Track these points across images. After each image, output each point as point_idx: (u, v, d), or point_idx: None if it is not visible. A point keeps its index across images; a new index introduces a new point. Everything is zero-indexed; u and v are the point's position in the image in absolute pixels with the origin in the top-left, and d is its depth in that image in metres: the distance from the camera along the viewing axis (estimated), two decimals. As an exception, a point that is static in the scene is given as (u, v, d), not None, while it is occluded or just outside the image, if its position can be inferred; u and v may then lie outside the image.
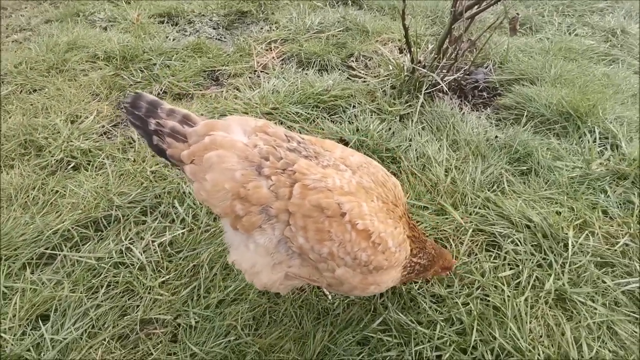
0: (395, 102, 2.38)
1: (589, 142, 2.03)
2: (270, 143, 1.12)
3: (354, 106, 2.33)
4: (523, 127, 2.15)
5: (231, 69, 2.62)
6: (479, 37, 2.44)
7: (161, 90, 2.33)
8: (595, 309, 1.39)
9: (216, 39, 3.03)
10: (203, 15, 3.26)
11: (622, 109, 2.22)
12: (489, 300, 1.41)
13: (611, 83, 2.43)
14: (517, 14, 2.37)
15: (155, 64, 2.50)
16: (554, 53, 2.75)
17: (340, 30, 3.07)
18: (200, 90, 2.41)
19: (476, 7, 2.22)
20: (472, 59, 2.60)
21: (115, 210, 1.52)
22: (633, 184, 1.80)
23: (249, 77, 2.58)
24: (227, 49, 2.89)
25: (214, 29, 3.14)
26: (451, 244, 1.60)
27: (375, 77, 2.65)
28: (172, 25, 3.09)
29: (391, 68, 2.66)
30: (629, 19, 3.27)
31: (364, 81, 2.60)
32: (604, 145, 2.02)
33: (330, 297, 1.40)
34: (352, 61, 2.84)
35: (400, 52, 2.91)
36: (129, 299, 1.28)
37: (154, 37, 2.83)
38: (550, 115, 2.19)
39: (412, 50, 2.44)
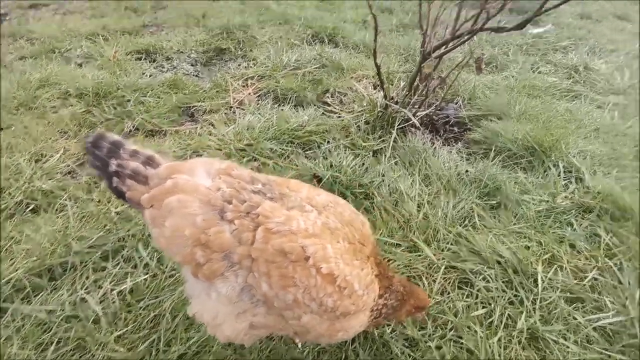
0: (369, 137, 2.42)
1: (554, 175, 2.08)
2: (234, 186, 1.11)
3: (328, 142, 2.35)
4: (492, 161, 2.20)
5: (207, 105, 2.63)
6: (447, 74, 2.53)
7: (133, 126, 2.31)
8: (568, 347, 1.38)
9: (193, 75, 3.06)
10: (181, 52, 3.30)
11: (584, 143, 2.31)
12: (462, 343, 1.38)
13: (574, 118, 2.54)
14: (483, 54, 2.50)
15: (129, 101, 2.49)
16: (519, 90, 2.88)
17: (316, 67, 3.16)
18: (174, 127, 2.40)
19: (443, 47, 2.33)
20: (442, 95, 2.69)
21: (73, 256, 1.45)
22: (598, 217, 1.85)
23: (225, 113, 2.59)
24: (203, 85, 2.92)
25: (192, 65, 3.18)
26: (424, 283, 1.58)
27: (349, 112, 2.71)
28: (149, 62, 3.11)
29: (365, 104, 2.72)
30: (592, 55, 3.47)
31: (339, 116, 2.65)
32: (569, 179, 2.08)
33: (300, 345, 1.35)
34: (328, 97, 2.90)
35: (374, 88, 3.00)
36: (79, 358, 1.19)
37: (130, 73, 2.84)
38: (516, 149, 2.25)
39: (384, 87, 2.51)
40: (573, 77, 3.09)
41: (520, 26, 2.06)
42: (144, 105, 2.49)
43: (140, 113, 2.41)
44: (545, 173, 2.12)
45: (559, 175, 2.09)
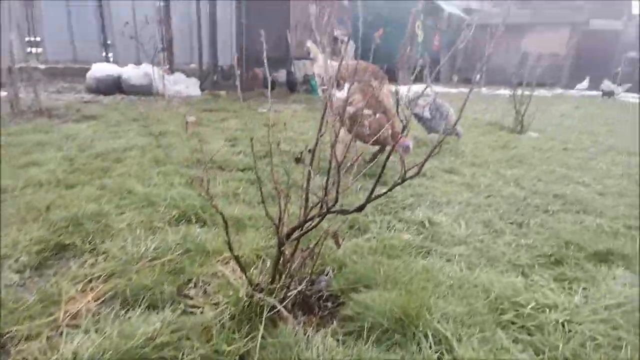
0: (235, 336, 2.13)
1: (426, 349, 2.03)
2: None
3: (184, 354, 1.97)
4: (366, 344, 2.08)
5: (24, 330, 2.07)
6: (314, 246, 2.57)
7: None
8: None
9: (18, 285, 2.51)
10: (8, 256, 2.76)
11: (444, 304, 2.40)
12: None
13: (431, 276, 2.71)
14: (338, 229, 2.63)
15: None
16: (381, 251, 3.06)
17: (179, 254, 2.93)
18: (-42, 378, 1.75)
19: (299, 230, 2.39)
20: (310, 271, 2.66)
21: None
22: (476, 397, 1.76)
23: (48, 337, 2.05)
24: (29, 297, 2.37)
25: (19, 272, 2.63)
26: None
27: (214, 304, 2.43)
28: (-48, 277, 2.48)
29: (231, 293, 2.50)
30: (432, 209, 4.04)
31: (202, 312, 2.34)
32: (440, 351, 2.04)
33: None
34: (191, 288, 2.62)
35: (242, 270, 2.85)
36: None
37: None
38: (388, 324, 2.20)
39: (247, 275, 2.38)
40: (422, 233, 3.47)
41: (360, 208, 2.26)
42: None
43: None
44: (419, 347, 2.07)
45: (430, 348, 2.04)
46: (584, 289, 2.63)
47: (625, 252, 3.01)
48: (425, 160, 1.88)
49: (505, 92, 9.36)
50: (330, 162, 2.05)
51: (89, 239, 3.07)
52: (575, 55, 22.32)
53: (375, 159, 5.55)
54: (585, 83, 20.88)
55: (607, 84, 16.81)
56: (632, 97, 17.98)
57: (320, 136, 2.18)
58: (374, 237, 3.35)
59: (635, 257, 2.98)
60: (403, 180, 1.90)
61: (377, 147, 5.47)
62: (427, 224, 3.63)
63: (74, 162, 4.78)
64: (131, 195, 3.89)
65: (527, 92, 8.44)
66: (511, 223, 3.78)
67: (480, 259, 3.06)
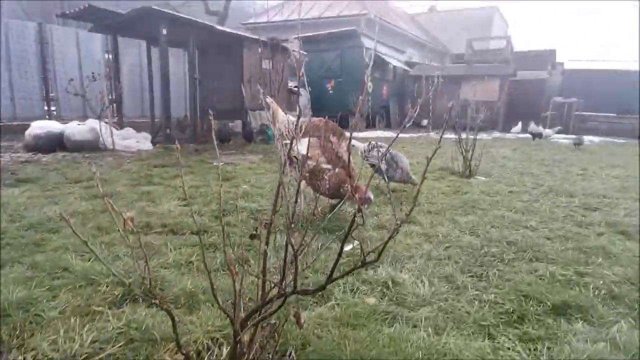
0: None
1: None
2: None
3: None
4: None
5: None
6: (276, 328, 2.38)
7: None
8: None
9: None
10: None
11: (415, 383, 2.27)
12: None
13: (398, 349, 2.58)
14: (298, 308, 2.47)
15: None
16: (346, 322, 2.91)
17: (120, 346, 2.58)
18: None
19: (257, 314, 2.21)
20: (272, 353, 2.45)
21: None
22: None
23: None
24: None
25: None
26: None
27: (161, 412, 2.12)
28: None
29: (181, 393, 2.21)
30: (394, 266, 3.98)
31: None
32: None
33: None
34: (133, 390, 2.29)
35: (198, 355, 2.56)
36: None
37: None
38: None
39: (199, 372, 2.13)
40: (386, 295, 3.37)
41: (322, 288, 2.15)
42: None
43: None
44: None
45: None
46: (549, 348, 2.63)
47: (581, 304, 3.10)
48: (384, 245, 1.84)
49: (451, 135, 9.97)
50: (286, 246, 1.94)
51: (17, 332, 2.64)
52: (507, 102, 24.78)
53: (334, 211, 5.53)
54: (518, 127, 23.02)
55: (533, 127, 18.61)
56: (562, 138, 20.06)
57: (274, 215, 2.08)
58: (338, 305, 3.20)
59: (591, 308, 3.07)
60: (363, 265, 1.83)
61: (335, 200, 5.46)
62: (390, 284, 3.55)
63: (3, 236, 4.26)
64: (67, 274, 3.48)
65: (471, 136, 9.01)
66: (471, 276, 3.80)
67: (446, 320, 3.00)
